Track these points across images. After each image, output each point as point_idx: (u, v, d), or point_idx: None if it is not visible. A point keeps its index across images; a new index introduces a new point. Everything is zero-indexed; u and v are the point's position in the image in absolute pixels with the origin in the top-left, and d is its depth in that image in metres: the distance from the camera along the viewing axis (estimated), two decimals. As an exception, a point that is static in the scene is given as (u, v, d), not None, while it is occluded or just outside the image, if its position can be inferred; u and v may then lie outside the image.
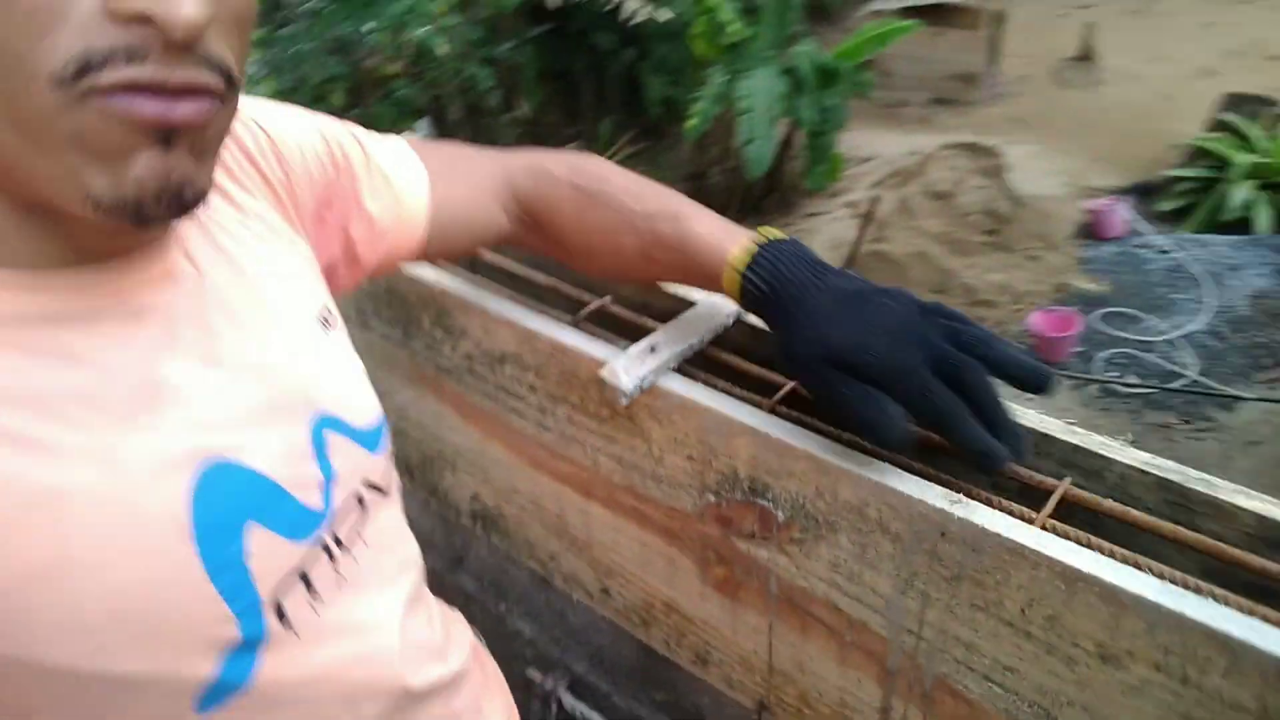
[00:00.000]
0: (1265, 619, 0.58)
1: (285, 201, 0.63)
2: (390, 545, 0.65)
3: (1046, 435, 0.74)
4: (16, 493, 0.41)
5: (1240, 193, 6.85)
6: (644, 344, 0.80)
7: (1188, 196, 7.25)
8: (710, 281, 0.73)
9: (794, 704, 0.88)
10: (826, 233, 5.35)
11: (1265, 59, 10.30)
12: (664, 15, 4.66)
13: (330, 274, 0.69)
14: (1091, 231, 6.75)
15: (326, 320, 0.62)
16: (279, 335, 0.57)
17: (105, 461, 0.45)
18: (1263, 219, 6.75)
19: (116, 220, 0.42)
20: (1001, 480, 0.72)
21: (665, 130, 5.78)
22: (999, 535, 0.64)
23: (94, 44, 0.38)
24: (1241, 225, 6.77)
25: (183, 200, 0.44)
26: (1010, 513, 0.66)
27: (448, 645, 0.71)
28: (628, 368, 0.78)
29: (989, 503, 0.67)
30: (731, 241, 0.71)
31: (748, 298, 0.70)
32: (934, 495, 0.67)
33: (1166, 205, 7.26)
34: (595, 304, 0.93)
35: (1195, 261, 6.16)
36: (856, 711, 0.82)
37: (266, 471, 0.52)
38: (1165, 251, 6.36)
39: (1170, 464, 0.70)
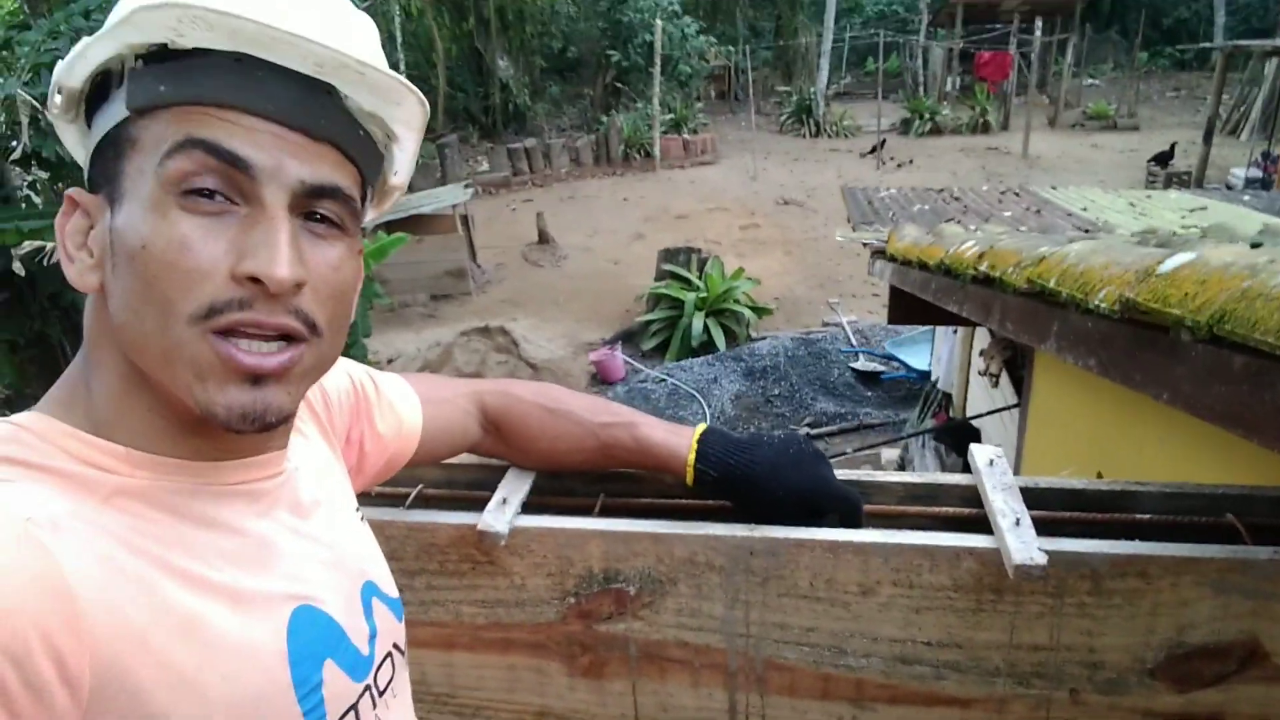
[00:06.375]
0: (930, 534, 1.01)
1: (329, 431, 0.81)
2: (406, 700, 0.81)
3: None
4: (174, 614, 0.55)
5: (697, 323, 8.53)
6: (497, 498, 1.04)
7: (661, 334, 8.84)
8: (670, 473, 1.04)
9: (661, 742, 1.13)
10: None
11: (674, 219, 12.92)
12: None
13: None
14: (601, 379, 7.87)
15: (360, 514, 0.79)
16: (338, 517, 0.74)
17: (232, 598, 0.59)
18: (719, 339, 8.46)
19: (214, 425, 0.58)
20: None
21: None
22: (787, 539, 0.99)
23: (220, 296, 0.56)
24: (707, 347, 8.43)
25: (265, 422, 0.60)
26: (786, 524, 1.03)
27: None
28: (496, 518, 1.01)
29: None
30: (679, 441, 1.02)
31: (701, 483, 1.02)
32: (739, 529, 1.01)
33: (648, 344, 8.73)
34: (416, 490, 1.14)
35: (685, 383, 7.54)
36: (711, 721, 1.11)
37: (336, 618, 0.69)
38: (661, 380, 7.68)
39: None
